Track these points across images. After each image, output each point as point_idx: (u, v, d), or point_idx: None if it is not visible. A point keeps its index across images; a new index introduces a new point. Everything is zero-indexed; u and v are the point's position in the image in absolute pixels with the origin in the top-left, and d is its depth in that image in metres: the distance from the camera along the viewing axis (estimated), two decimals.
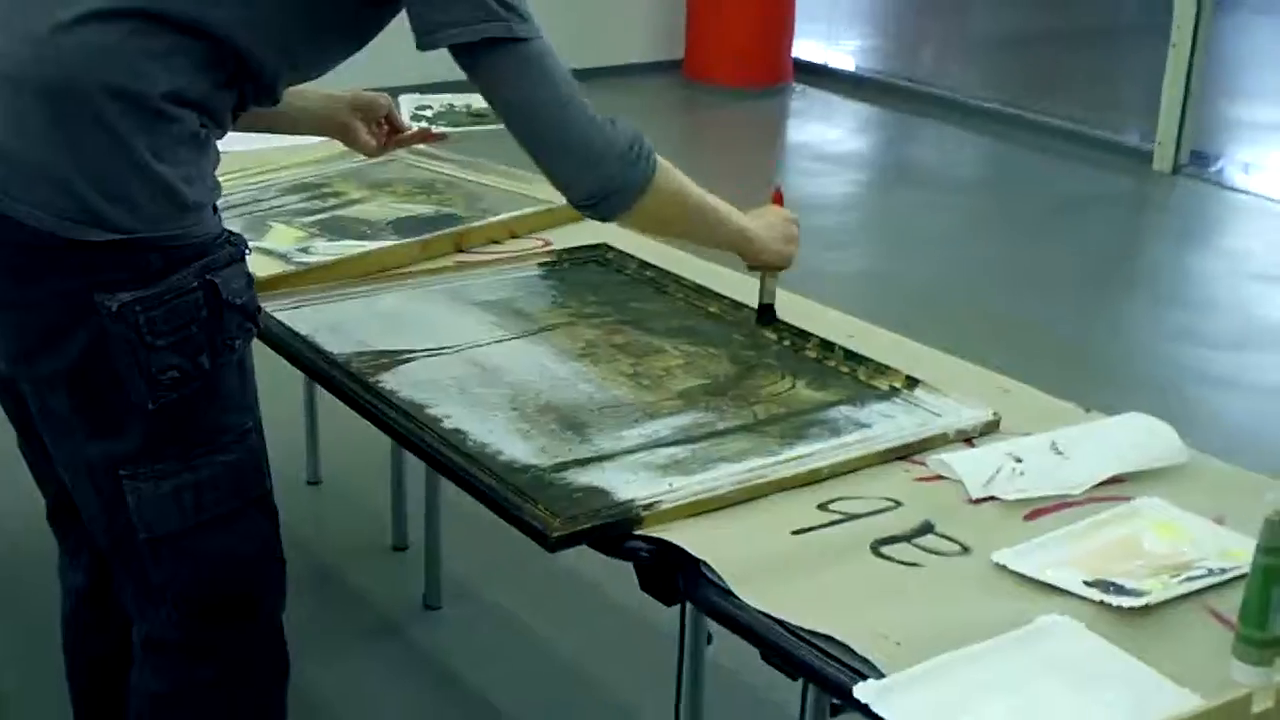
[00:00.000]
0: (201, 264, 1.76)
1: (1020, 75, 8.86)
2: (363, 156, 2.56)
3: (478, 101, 2.65)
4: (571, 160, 1.85)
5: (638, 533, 1.69)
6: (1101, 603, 1.53)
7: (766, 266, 2.16)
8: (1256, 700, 1.30)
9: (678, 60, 7.94)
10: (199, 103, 1.76)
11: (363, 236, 2.58)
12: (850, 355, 2.11)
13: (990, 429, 1.93)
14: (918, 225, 6.07)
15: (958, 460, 1.82)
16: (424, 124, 2.51)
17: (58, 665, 2.27)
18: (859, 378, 2.07)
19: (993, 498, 1.76)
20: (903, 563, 1.64)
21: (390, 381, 2.04)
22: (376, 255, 2.48)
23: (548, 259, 2.50)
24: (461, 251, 2.55)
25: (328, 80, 2.05)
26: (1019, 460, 1.81)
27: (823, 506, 1.74)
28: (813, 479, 1.79)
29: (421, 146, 2.71)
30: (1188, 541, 1.65)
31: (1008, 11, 10.83)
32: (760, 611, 1.54)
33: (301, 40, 1.84)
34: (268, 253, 2.45)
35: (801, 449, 1.86)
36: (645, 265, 2.46)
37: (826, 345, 2.14)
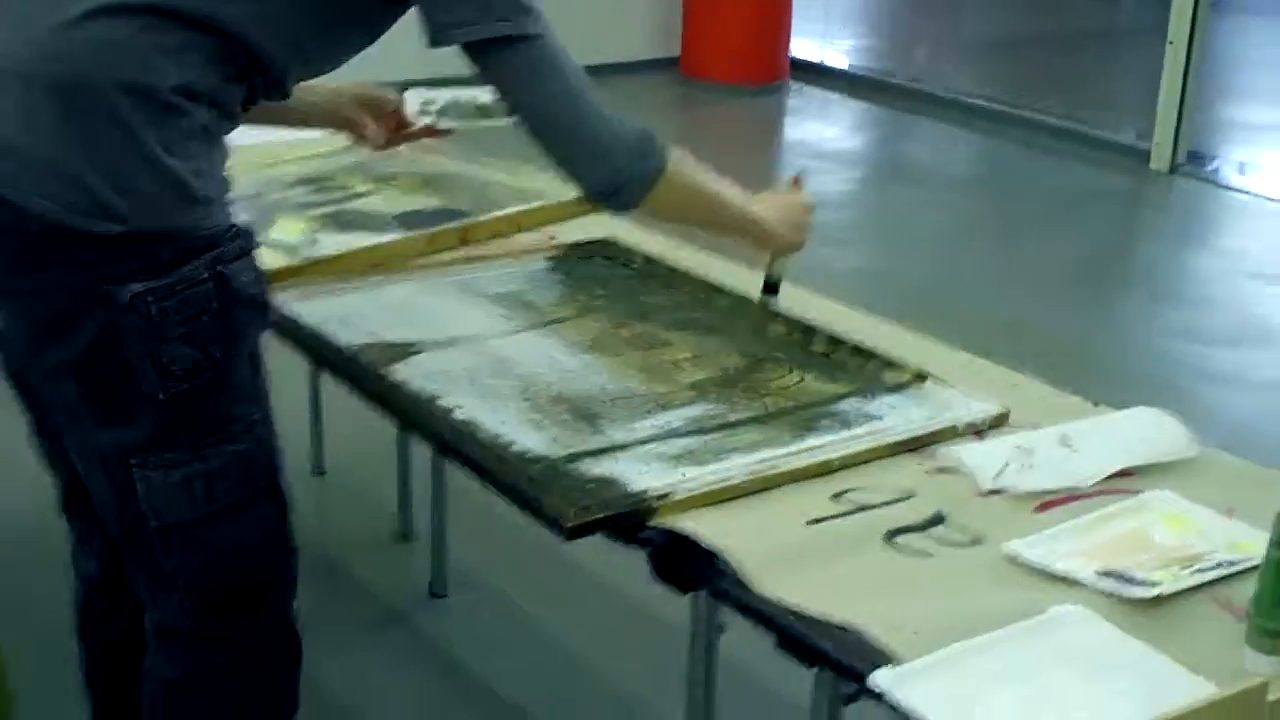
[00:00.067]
0: (212, 256, 1.77)
1: (1016, 75, 8.88)
2: (366, 150, 2.56)
3: (483, 96, 2.65)
4: (583, 155, 1.87)
5: (652, 522, 1.70)
6: (1113, 593, 1.54)
7: (779, 253, 2.17)
8: (1273, 689, 1.31)
9: (674, 58, 7.96)
10: (209, 97, 1.77)
11: (369, 230, 2.58)
12: (858, 349, 2.12)
13: (999, 422, 1.94)
14: (915, 223, 6.09)
15: (968, 453, 1.84)
16: (430, 119, 2.52)
17: (70, 652, 2.27)
18: (867, 371, 2.08)
19: (1003, 490, 1.77)
20: (915, 553, 1.65)
21: (402, 373, 2.05)
22: (384, 248, 2.49)
23: (555, 253, 2.51)
24: (467, 245, 2.56)
25: (335, 74, 2.06)
26: (1029, 453, 1.83)
27: (835, 497, 1.76)
28: (825, 470, 1.81)
29: (425, 140, 2.71)
30: (1197, 534, 1.67)
31: (1003, 13, 10.86)
32: (776, 601, 1.55)
33: (313, 36, 1.85)
34: (275, 245, 2.45)
35: (813, 440, 1.87)
36: (651, 260, 2.47)
37: (834, 339, 2.15)
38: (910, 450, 1.87)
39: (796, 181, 2.24)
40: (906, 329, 2.27)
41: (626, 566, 3.14)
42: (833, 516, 1.72)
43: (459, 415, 1.92)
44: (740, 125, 7.49)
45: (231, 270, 1.79)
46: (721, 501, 1.73)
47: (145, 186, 1.71)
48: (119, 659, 2.19)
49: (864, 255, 5.54)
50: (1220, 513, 1.72)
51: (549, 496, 1.72)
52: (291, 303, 2.24)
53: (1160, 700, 1.33)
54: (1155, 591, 1.54)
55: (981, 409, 1.95)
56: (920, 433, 1.90)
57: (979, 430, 1.92)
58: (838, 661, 1.49)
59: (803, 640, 1.53)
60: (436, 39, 1.80)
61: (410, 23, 1.89)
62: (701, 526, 1.67)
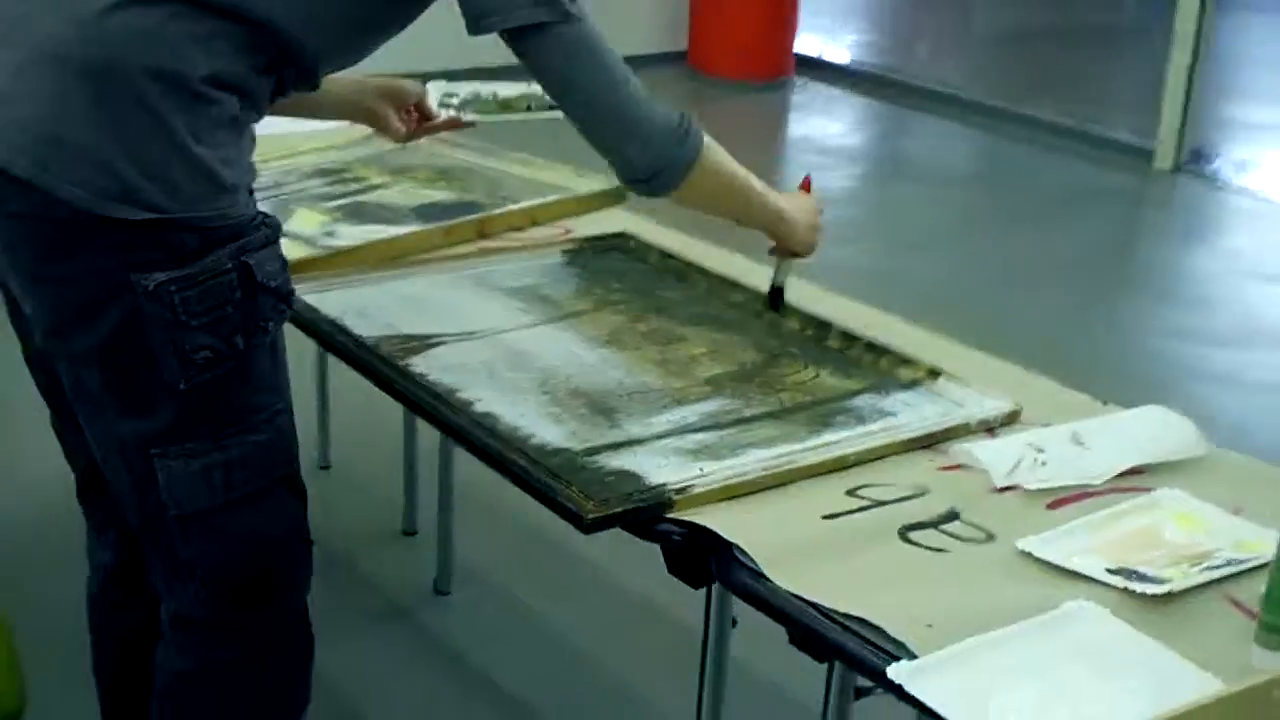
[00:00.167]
0: (237, 245, 1.78)
1: (1020, 72, 8.90)
2: (382, 142, 2.58)
3: (505, 90, 2.68)
4: (624, 139, 1.89)
5: (670, 516, 1.72)
6: (1124, 590, 1.57)
7: (793, 251, 2.19)
8: None
9: (682, 52, 7.98)
10: (238, 86, 1.79)
11: (386, 222, 2.60)
12: (872, 345, 2.15)
13: (1011, 419, 1.97)
14: (917, 220, 6.11)
15: (981, 450, 1.86)
16: (451, 111, 2.54)
17: (82, 642, 2.29)
18: (881, 368, 2.10)
19: (1015, 486, 1.80)
20: (930, 548, 1.68)
21: (420, 365, 2.07)
22: (401, 241, 2.51)
23: (571, 247, 2.54)
24: (484, 238, 2.58)
25: (359, 66, 2.08)
26: (1040, 450, 1.85)
27: (851, 493, 1.78)
28: (840, 466, 1.84)
29: (443, 133, 2.74)
30: (1207, 532, 1.69)
31: (1008, 9, 10.87)
32: (792, 594, 1.58)
33: (344, 26, 1.87)
34: (292, 236, 2.47)
35: (829, 436, 1.90)
36: (666, 255, 2.49)
37: (848, 335, 2.18)
38: (924, 447, 1.90)
39: (806, 185, 2.25)
40: (917, 326, 2.29)
41: (631, 563, 3.19)
42: (848, 512, 1.74)
43: (478, 408, 1.95)
44: (745, 120, 7.50)
45: (256, 260, 1.80)
46: (738, 496, 1.76)
47: (173, 174, 1.72)
48: (131, 650, 2.20)
49: (866, 252, 5.56)
50: (1229, 511, 1.75)
51: (568, 490, 1.74)
52: (308, 294, 2.26)
53: (1170, 696, 1.35)
54: (1166, 588, 1.56)
55: (994, 406, 1.98)
56: (934, 429, 1.92)
57: (991, 427, 1.95)
58: (853, 655, 1.52)
59: (817, 634, 1.55)
60: (476, 27, 1.82)
61: (431, 15, 1.91)
62: (718, 521, 1.70)
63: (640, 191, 1.96)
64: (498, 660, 2.98)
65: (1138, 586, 1.57)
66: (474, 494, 3.33)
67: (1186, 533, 1.69)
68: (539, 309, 2.29)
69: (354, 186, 2.80)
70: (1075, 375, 2.14)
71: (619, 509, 1.71)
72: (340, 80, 2.27)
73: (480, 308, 2.28)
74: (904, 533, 1.70)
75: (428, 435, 3.26)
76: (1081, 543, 1.66)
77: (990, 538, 1.70)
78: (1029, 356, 2.18)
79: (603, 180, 2.77)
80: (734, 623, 1.94)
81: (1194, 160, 6.79)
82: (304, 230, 2.54)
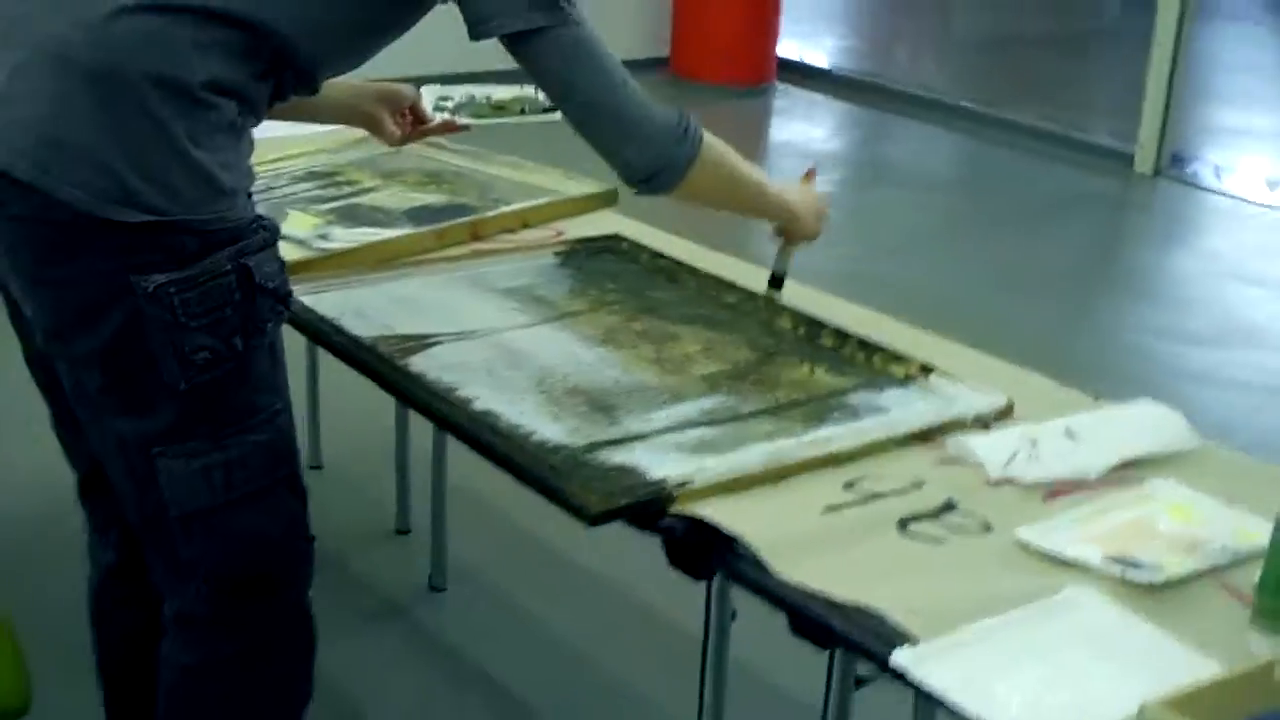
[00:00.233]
0: (236, 248, 1.79)
1: (1002, 77, 8.96)
2: (376, 146, 2.59)
3: (498, 93, 2.70)
4: (626, 140, 1.92)
5: (671, 510, 1.74)
6: (1121, 578, 1.59)
7: (799, 237, 2.22)
8: (1278, 668, 1.36)
9: (664, 58, 8.01)
10: (238, 91, 1.80)
11: (379, 224, 2.62)
12: (865, 343, 2.17)
13: (1004, 415, 1.99)
14: (899, 224, 6.15)
15: (976, 443, 1.88)
16: (446, 115, 2.56)
17: (86, 639, 2.30)
18: (874, 365, 2.13)
19: (1011, 479, 1.82)
20: (928, 539, 1.70)
21: (420, 364, 2.08)
22: (394, 243, 2.53)
23: (563, 248, 2.56)
24: (476, 240, 2.60)
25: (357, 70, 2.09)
26: (1035, 444, 1.88)
27: (848, 486, 1.80)
28: (837, 460, 1.85)
29: (432, 136, 2.75)
30: (1200, 522, 1.72)
31: (989, 14, 10.94)
32: (794, 584, 1.60)
33: (345, 31, 1.89)
34: (286, 239, 2.47)
35: (825, 431, 1.92)
36: (658, 255, 2.51)
37: (841, 333, 2.20)
38: (919, 441, 1.92)
39: (810, 175, 2.29)
40: (908, 325, 2.31)
41: (625, 562, 3.20)
42: (846, 505, 1.76)
43: (478, 406, 1.96)
44: (728, 126, 7.43)
45: (254, 262, 1.82)
46: (738, 490, 1.78)
47: (173, 177, 1.74)
48: (133, 647, 2.21)
49: (847, 256, 5.56)
50: (1222, 502, 1.78)
51: (571, 485, 1.76)
52: (305, 296, 2.27)
53: (1169, 679, 1.37)
54: (1163, 576, 1.59)
55: (988, 401, 2.00)
56: (929, 424, 1.94)
57: (985, 422, 1.97)
58: (856, 643, 1.54)
59: (820, 622, 1.57)
60: (476, 33, 1.85)
61: (427, 20, 1.93)
62: (719, 514, 1.72)
63: (642, 191, 1.98)
64: (492, 658, 3.00)
65: (1134, 575, 1.59)
66: (466, 493, 3.35)
67: (1180, 522, 1.71)
68: (534, 309, 2.30)
69: (346, 190, 2.81)
70: (1059, 375, 2.17)
71: (622, 503, 1.73)
72: (337, 85, 2.29)
73: (476, 308, 2.30)
74: (902, 524, 1.72)
75: (420, 435, 3.28)
76: (1078, 533, 1.68)
77: (987, 529, 1.72)
78: (1013, 357, 2.21)
79: (593, 183, 2.79)
80: (733, 616, 1.95)
81: (1174, 164, 6.85)
82: (298, 233, 2.55)
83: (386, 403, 3.31)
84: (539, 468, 1.80)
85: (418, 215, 2.67)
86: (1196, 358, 4.84)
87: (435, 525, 3.22)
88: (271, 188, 2.79)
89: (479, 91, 2.69)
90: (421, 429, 3.26)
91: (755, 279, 2.38)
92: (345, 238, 2.54)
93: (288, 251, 2.38)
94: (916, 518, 1.74)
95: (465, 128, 2.63)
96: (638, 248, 2.55)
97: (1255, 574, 1.53)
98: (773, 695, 2.77)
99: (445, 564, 3.24)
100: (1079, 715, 1.37)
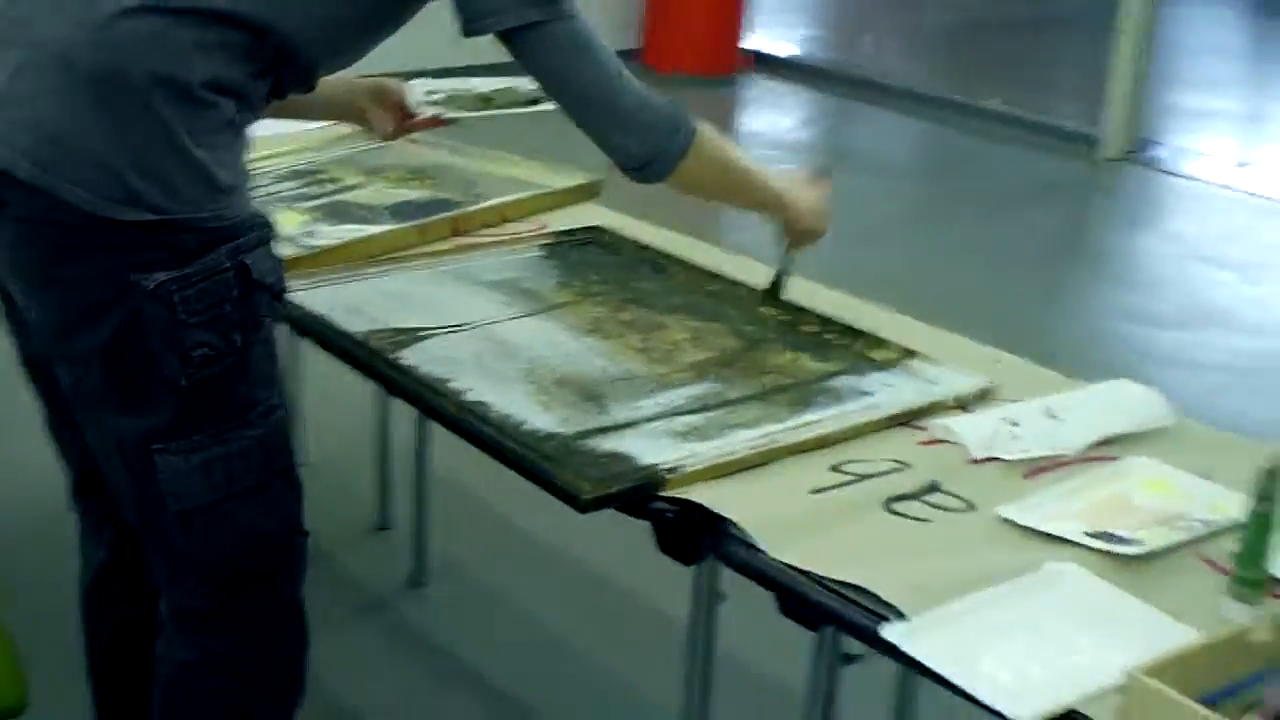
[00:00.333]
0: (234, 245, 1.82)
1: (969, 64, 9.01)
2: (357, 143, 2.61)
3: (484, 86, 2.73)
4: (621, 130, 1.95)
5: (662, 495, 1.78)
6: (1103, 551, 1.64)
7: (801, 235, 2.24)
8: (1256, 634, 1.41)
9: (635, 50, 8.04)
10: (237, 90, 1.83)
11: (364, 221, 2.65)
12: (847, 329, 2.22)
13: (985, 396, 2.04)
14: (872, 212, 6.16)
15: (958, 424, 1.93)
16: (434, 109, 2.58)
17: (80, 639, 2.33)
18: (857, 350, 2.17)
19: (993, 458, 1.87)
20: (914, 518, 1.75)
21: (411, 357, 2.12)
22: (379, 239, 2.55)
23: (548, 241, 2.59)
24: (460, 234, 2.63)
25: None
26: (1015, 424, 1.93)
27: (835, 468, 1.85)
28: (823, 443, 1.90)
29: (415, 133, 2.77)
30: (1177, 496, 1.77)
31: (958, 1, 10.98)
32: (784, 564, 1.65)
33: (348, 31, 1.92)
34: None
35: (810, 415, 1.96)
36: (642, 247, 2.55)
37: (824, 320, 2.25)
38: (902, 423, 1.97)
39: (823, 176, 2.28)
40: (888, 310, 2.36)
41: (607, 552, 3.23)
42: (833, 487, 1.81)
43: (470, 397, 2.00)
44: (700, 115, 7.55)
45: (252, 259, 1.84)
46: (727, 474, 1.82)
47: (174, 176, 1.76)
48: (125, 645, 2.24)
49: (820, 244, 5.63)
50: (1198, 476, 1.83)
51: (564, 472, 1.80)
52: (294, 292, 2.29)
53: (1151, 648, 1.41)
54: (1143, 549, 1.64)
55: (968, 383, 2.05)
56: (911, 406, 1.99)
57: (966, 403, 2.02)
58: (846, 620, 1.59)
59: (810, 601, 1.62)
60: (471, 29, 1.87)
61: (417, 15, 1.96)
62: (709, 498, 1.76)
63: (636, 179, 2.01)
64: (475, 651, 3.03)
65: (1115, 548, 1.64)
66: (447, 488, 3.38)
67: (1159, 497, 1.77)
68: (521, 302, 2.34)
69: (330, 187, 2.83)
70: (1029, 357, 2.21)
71: (614, 489, 1.77)
72: (328, 82, 2.30)
73: (464, 302, 2.33)
74: (888, 504, 1.77)
75: (400, 431, 3.31)
76: (1059, 509, 1.73)
77: (971, 507, 1.77)
78: (984, 341, 2.25)
79: (576, 175, 2.83)
80: (721, 598, 1.99)
81: (1140, 148, 6.92)
82: (284, 231, 2.57)
83: (367, 400, 3.35)
84: (532, 456, 1.84)
85: (401, 211, 2.69)
86: (1163, 340, 4.92)
87: (417, 520, 3.25)
88: (256, 187, 2.80)
89: (465, 86, 2.72)
90: (403, 425, 3.29)
91: (738, 269, 2.42)
92: (331, 235, 2.57)
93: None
94: (902, 498, 1.78)
95: (453, 122, 2.66)
96: (621, 239, 2.59)
97: (1231, 545, 1.59)
98: (757, 682, 2.80)
99: (427, 559, 3.26)
100: (1065, 683, 1.42)
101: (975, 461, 1.87)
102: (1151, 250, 5.99)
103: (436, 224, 2.63)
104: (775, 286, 2.30)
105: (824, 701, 1.83)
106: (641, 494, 1.78)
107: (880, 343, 2.17)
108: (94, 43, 1.74)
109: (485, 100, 2.65)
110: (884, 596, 1.57)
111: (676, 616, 1.96)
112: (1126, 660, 1.37)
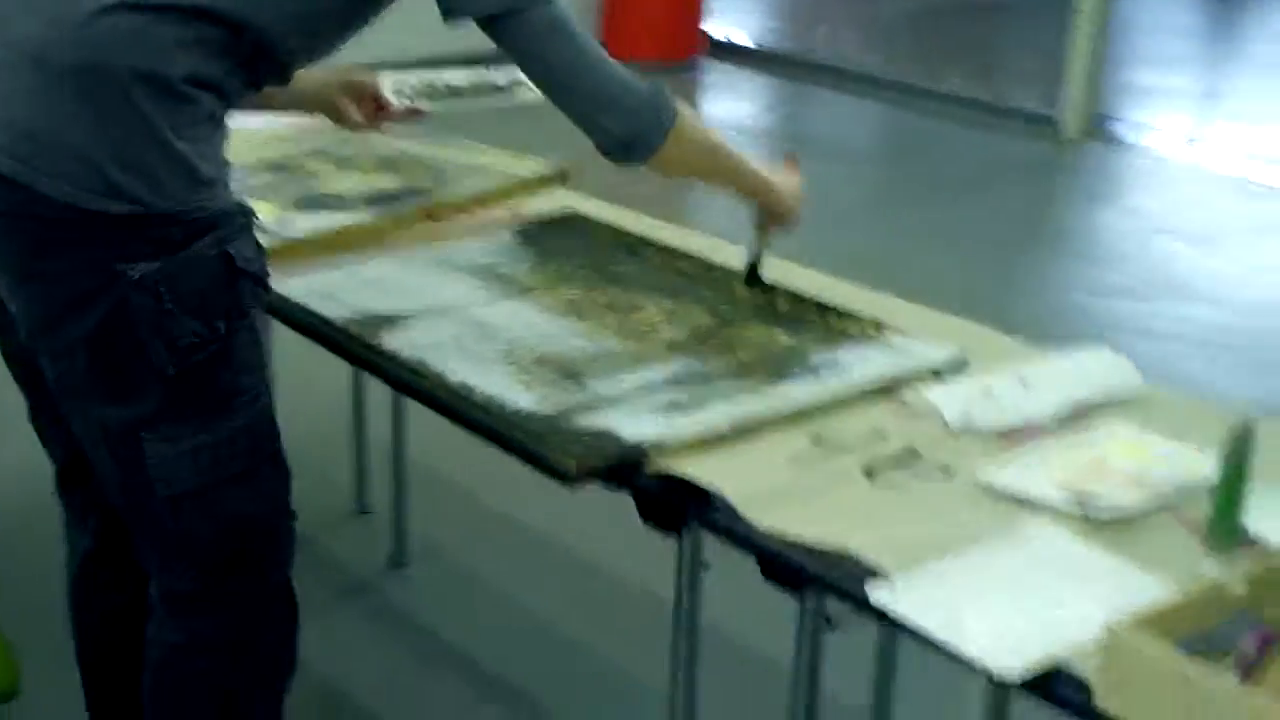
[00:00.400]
0: (217, 235, 1.85)
1: (928, 48, 9.06)
2: (328, 135, 2.62)
3: (455, 78, 2.75)
4: (602, 112, 1.99)
5: (647, 469, 1.81)
6: (1081, 514, 1.68)
7: (779, 217, 2.28)
8: (1231, 586, 1.45)
9: (594, 35, 8.07)
10: (216, 85, 1.85)
11: (338, 210, 2.67)
12: (820, 305, 2.25)
13: (958, 366, 2.08)
14: (835, 196, 6.20)
15: (935, 394, 1.97)
16: (407, 101, 2.61)
17: (65, 627, 2.34)
18: (830, 324, 2.21)
19: (969, 427, 1.91)
20: (894, 486, 1.78)
21: (391, 342, 2.14)
22: (354, 229, 2.57)
23: (522, 226, 2.61)
24: (434, 222, 2.65)
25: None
26: (990, 393, 1.96)
27: (814, 440, 1.88)
28: (802, 416, 1.93)
29: (386, 123, 2.79)
30: (1151, 459, 1.81)
31: None
32: (769, 531, 1.68)
33: (325, 24, 1.95)
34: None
35: (787, 388, 2.00)
36: (615, 230, 2.58)
37: (796, 296, 2.28)
38: (879, 395, 2.00)
39: (790, 161, 2.33)
40: (858, 286, 2.39)
41: (587, 530, 3.26)
42: (813, 457, 1.84)
43: (452, 379, 2.02)
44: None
45: (235, 247, 1.87)
46: (709, 447, 1.85)
47: (156, 168, 1.79)
48: (113, 631, 2.27)
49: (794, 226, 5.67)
50: (1171, 440, 1.87)
51: (550, 450, 1.83)
52: (273, 281, 2.31)
53: (1131, 603, 1.45)
54: (1121, 512, 1.68)
55: (942, 355, 2.09)
56: (887, 378, 2.03)
57: (940, 374, 2.06)
58: (830, 582, 1.62)
59: (794, 565, 1.65)
60: (450, 15, 1.90)
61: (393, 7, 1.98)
62: (692, 470, 1.79)
63: (619, 162, 2.05)
64: (458, 632, 3.06)
65: (1093, 511, 1.68)
66: (425, 471, 3.41)
67: (1133, 460, 1.80)
68: (498, 285, 2.36)
69: (302, 178, 2.85)
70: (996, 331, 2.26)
71: (600, 464, 1.80)
72: (308, 76, 2.33)
73: (441, 287, 2.35)
74: (868, 473, 1.81)
75: (377, 415, 3.33)
76: (1037, 473, 1.77)
77: (949, 474, 1.81)
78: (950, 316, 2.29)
79: (544, 163, 2.85)
80: (705, 566, 2.02)
81: (1099, 125, 7.00)
82: (260, 222, 2.59)
83: (340, 385, 3.37)
84: (519, 436, 1.87)
85: (375, 200, 2.71)
86: (1125, 310, 5.00)
87: (396, 503, 3.27)
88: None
89: (436, 76, 2.74)
90: (379, 409, 3.31)
91: (710, 250, 2.45)
92: (306, 225, 2.58)
93: None
94: (881, 466, 1.82)
95: (427, 112, 2.68)
96: (594, 223, 2.62)
97: (1204, 505, 1.63)
98: (742, 654, 2.84)
99: (407, 542, 3.29)
100: (1048, 638, 1.45)
101: (952, 430, 1.90)
102: (1111, 225, 6.06)
103: (411, 213, 2.65)
104: (754, 268, 2.33)
105: (808, 669, 1.86)
106: (626, 468, 1.81)
107: (853, 317, 2.21)
108: (73, 40, 1.76)
109: (454, 91, 2.67)
110: (867, 559, 1.60)
111: (658, 593, 1.99)
112: (1106, 615, 1.41)
